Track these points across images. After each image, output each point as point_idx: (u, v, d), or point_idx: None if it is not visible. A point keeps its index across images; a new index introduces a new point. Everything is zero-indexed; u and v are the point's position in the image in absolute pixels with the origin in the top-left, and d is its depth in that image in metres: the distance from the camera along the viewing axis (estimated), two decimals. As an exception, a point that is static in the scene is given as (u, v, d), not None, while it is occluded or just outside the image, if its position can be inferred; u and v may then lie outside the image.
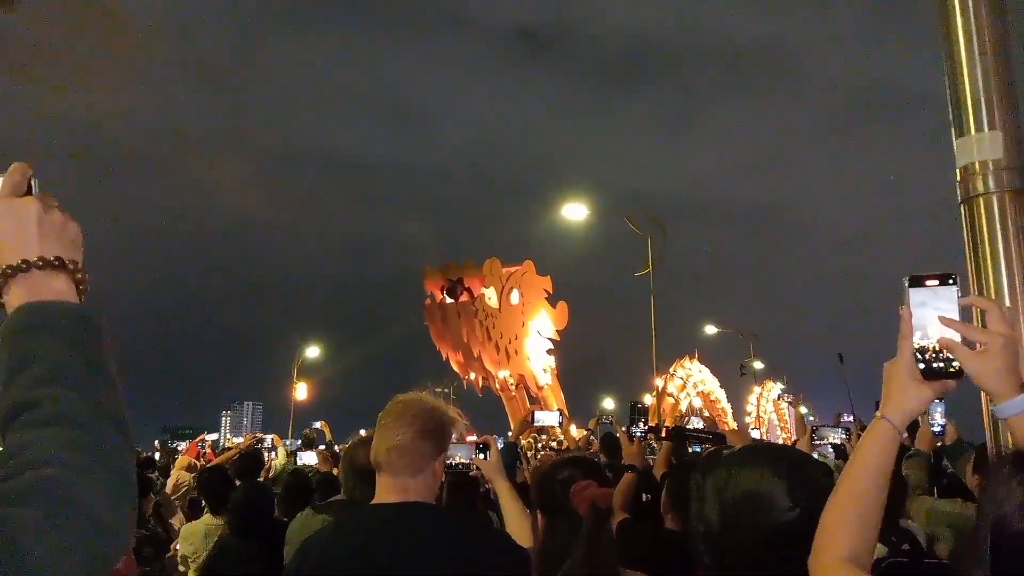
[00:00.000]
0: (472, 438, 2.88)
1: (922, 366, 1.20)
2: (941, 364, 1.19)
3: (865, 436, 1.24)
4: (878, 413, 1.23)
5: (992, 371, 1.15)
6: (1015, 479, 0.89)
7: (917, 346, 1.20)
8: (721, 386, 41.92)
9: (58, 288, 0.85)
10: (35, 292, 0.84)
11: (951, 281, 1.21)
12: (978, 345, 1.17)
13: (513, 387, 26.86)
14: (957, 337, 1.18)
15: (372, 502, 1.95)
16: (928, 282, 1.21)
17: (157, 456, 12.95)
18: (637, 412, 4.51)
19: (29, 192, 0.90)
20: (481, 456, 2.57)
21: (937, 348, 1.19)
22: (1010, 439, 1.20)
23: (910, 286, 1.21)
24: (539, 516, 2.11)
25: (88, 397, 0.79)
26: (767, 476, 1.38)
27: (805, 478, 1.39)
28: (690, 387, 37.88)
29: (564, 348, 28.71)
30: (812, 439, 4.83)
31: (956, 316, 1.19)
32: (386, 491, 1.92)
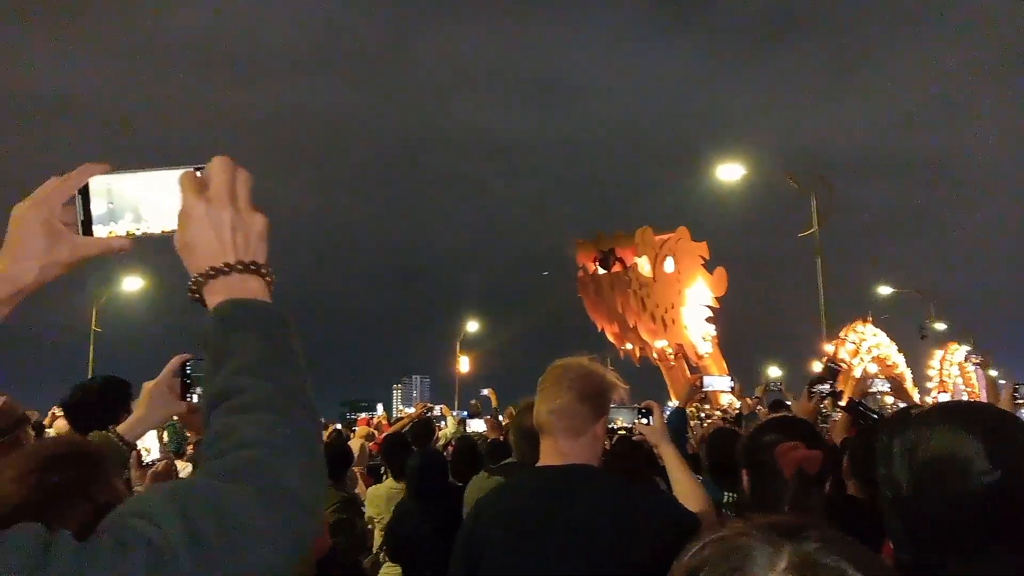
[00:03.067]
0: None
1: None
2: None
3: None
4: None
5: None
6: None
7: None
8: (899, 351, 39.04)
9: (252, 288, 0.92)
10: (233, 292, 0.91)
11: None
12: None
13: (672, 357, 26.39)
14: None
15: (537, 464, 1.99)
16: None
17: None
18: (831, 372, 4.29)
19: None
20: (644, 421, 2.53)
21: None
22: None
23: None
24: (744, 474, 2.03)
25: (283, 386, 0.86)
26: (962, 436, 1.27)
27: (1006, 437, 1.26)
28: (863, 352, 35.57)
29: (724, 316, 27.77)
30: (1015, 397, 4.38)
31: None
32: (549, 453, 1.95)
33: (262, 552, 0.73)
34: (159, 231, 0.99)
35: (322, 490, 0.86)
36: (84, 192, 0.98)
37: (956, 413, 1.38)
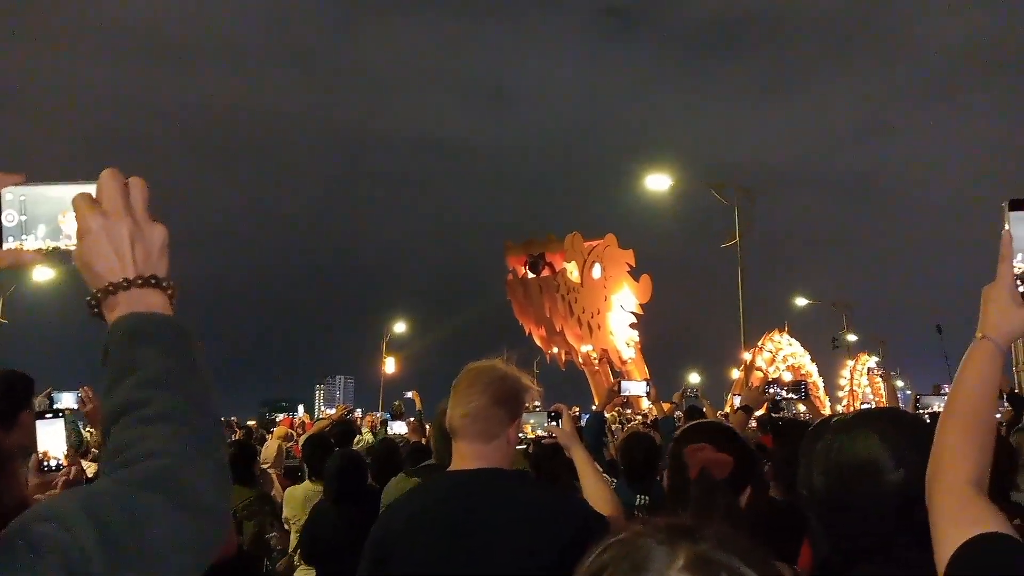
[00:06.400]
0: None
1: (1023, 289, 1.18)
2: None
3: (969, 358, 1.21)
4: (978, 334, 1.21)
5: None
6: None
7: (1018, 270, 1.18)
8: (813, 360, 40.60)
9: (153, 302, 0.92)
10: (134, 306, 0.91)
11: None
12: None
13: (596, 361, 26.79)
14: None
15: (449, 468, 1.99)
16: None
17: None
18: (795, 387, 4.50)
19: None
20: (554, 424, 2.54)
21: None
22: None
23: (1011, 209, 1.19)
24: (664, 475, 2.07)
25: (187, 397, 0.87)
26: (874, 440, 1.36)
27: (911, 439, 1.35)
28: (779, 361, 36.87)
29: (648, 322, 28.42)
30: (917, 408, 4.65)
31: None
32: (462, 457, 1.95)
33: (173, 559, 0.75)
34: (70, 246, 0.98)
35: (229, 499, 0.87)
36: None
37: (871, 419, 1.47)
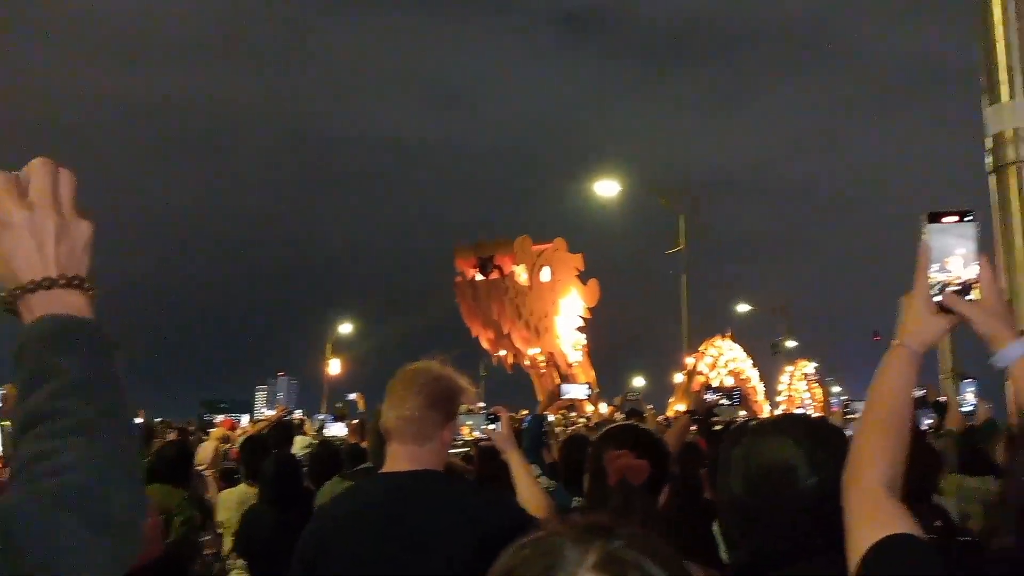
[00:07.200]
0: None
1: (938, 299, 1.22)
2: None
3: (886, 363, 1.25)
4: (895, 341, 1.25)
5: (993, 314, 1.19)
6: None
7: (934, 280, 1.22)
8: (754, 365, 41.56)
9: (75, 303, 0.88)
10: (54, 307, 0.87)
11: (969, 218, 1.22)
12: (976, 290, 1.20)
13: (543, 365, 26.91)
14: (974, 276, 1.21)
15: (382, 470, 1.98)
16: (946, 218, 1.23)
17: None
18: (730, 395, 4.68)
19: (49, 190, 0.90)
20: (492, 427, 2.54)
21: (954, 281, 1.21)
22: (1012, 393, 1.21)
23: (929, 222, 1.23)
24: (586, 479, 2.08)
25: (104, 408, 0.84)
26: (788, 444, 1.39)
27: (826, 446, 1.39)
28: (721, 366, 37.62)
29: (595, 326, 28.65)
30: (846, 413, 4.80)
31: (973, 251, 1.21)
32: (395, 459, 1.94)
33: None
34: None
35: (143, 516, 0.85)
36: None
37: (786, 424, 1.51)
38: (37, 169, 0.89)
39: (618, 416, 6.96)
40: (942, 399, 5.62)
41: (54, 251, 0.88)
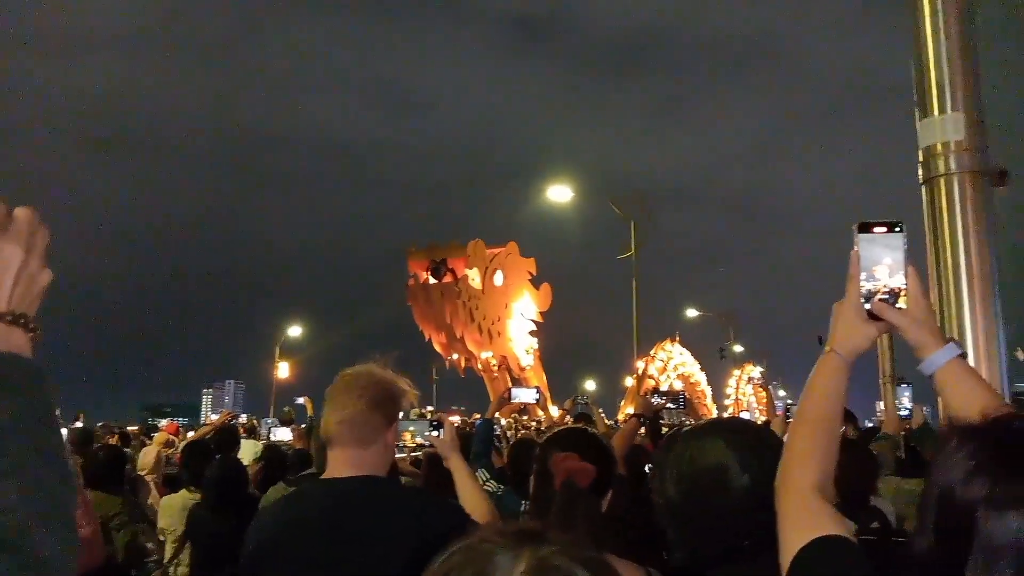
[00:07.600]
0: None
1: (868, 306, 1.26)
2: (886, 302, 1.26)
3: (818, 370, 1.28)
4: (827, 347, 1.28)
5: (921, 323, 1.25)
6: (960, 451, 0.91)
7: (864, 288, 1.26)
8: (702, 369, 42.21)
9: (16, 341, 0.89)
10: None
11: (898, 229, 1.26)
12: (904, 299, 1.25)
13: (495, 368, 26.92)
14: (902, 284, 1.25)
15: (324, 475, 1.94)
16: (876, 229, 1.27)
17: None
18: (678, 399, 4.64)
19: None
20: (435, 433, 2.50)
21: (882, 290, 1.25)
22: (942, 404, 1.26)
23: (859, 232, 1.27)
24: (531, 482, 2.08)
25: (40, 449, 0.84)
26: (720, 447, 1.42)
27: (756, 447, 1.42)
28: (670, 369, 38.15)
29: (547, 330, 28.81)
30: (787, 416, 4.91)
31: (900, 261, 1.25)
32: (337, 464, 1.90)
33: None
34: None
35: (75, 558, 0.85)
36: None
37: (718, 428, 1.53)
38: (23, 215, 0.93)
39: (568, 420, 7.00)
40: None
41: (11, 287, 0.91)
